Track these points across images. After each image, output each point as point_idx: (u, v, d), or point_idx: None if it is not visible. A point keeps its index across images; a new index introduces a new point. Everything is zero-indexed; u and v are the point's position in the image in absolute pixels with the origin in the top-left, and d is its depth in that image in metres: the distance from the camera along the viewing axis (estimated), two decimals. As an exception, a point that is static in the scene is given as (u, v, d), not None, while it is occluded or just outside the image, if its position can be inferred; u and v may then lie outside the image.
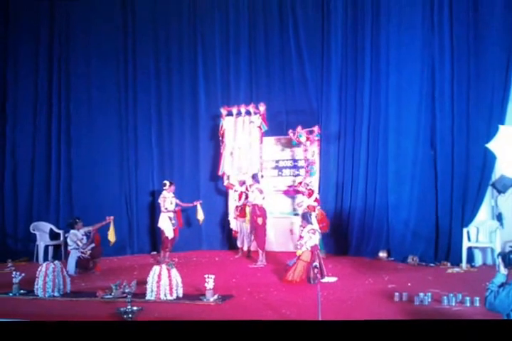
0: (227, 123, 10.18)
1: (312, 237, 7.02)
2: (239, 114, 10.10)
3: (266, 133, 10.11)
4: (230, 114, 10.11)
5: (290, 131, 9.61)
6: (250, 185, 8.97)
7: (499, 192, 7.94)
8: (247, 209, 8.93)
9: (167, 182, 9.09)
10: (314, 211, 8.49)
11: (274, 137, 10.32)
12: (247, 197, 9.14)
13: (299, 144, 9.79)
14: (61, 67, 10.33)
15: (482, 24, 8.18)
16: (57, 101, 10.30)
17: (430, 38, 8.62)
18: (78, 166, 10.23)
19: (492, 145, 6.68)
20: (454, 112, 8.38)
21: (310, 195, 8.97)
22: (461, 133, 8.31)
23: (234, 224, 9.68)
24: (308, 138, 9.60)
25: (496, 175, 8.13)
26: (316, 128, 9.71)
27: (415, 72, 8.73)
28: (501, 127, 6.75)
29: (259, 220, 8.48)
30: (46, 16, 10.34)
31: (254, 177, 9.18)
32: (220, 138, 10.29)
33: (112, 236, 8.52)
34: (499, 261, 3.78)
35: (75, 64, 10.35)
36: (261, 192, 8.64)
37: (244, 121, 10.08)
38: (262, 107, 9.84)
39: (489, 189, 8.16)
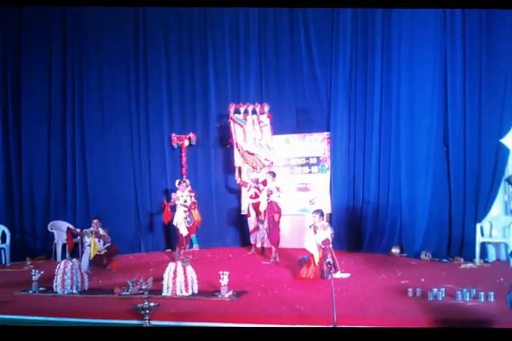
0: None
1: (322, 233, 7.05)
2: (246, 112, 10.07)
3: (275, 131, 10.14)
4: (236, 111, 10.05)
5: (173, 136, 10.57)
6: (263, 182, 9.03)
7: None
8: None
9: (178, 181, 9.27)
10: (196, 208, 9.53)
11: (284, 135, 10.37)
12: (256, 195, 9.21)
13: (180, 148, 10.64)
14: (74, 71, 10.47)
15: (494, 20, 8.14)
16: (71, 103, 10.45)
17: (442, 34, 8.57)
18: (93, 166, 10.39)
19: (506, 141, 6.67)
20: (466, 108, 8.35)
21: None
22: (473, 128, 8.29)
23: (249, 220, 9.72)
24: (181, 145, 10.58)
25: (510, 170, 8.12)
26: (191, 135, 10.52)
27: (427, 67, 8.69)
28: None
29: (276, 217, 8.53)
30: (59, 25, 10.47)
31: (274, 174, 9.16)
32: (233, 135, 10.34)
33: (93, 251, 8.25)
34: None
35: (87, 67, 10.49)
36: (278, 189, 8.70)
37: (254, 120, 10.06)
38: (267, 108, 9.88)
39: (502, 184, 8.15)
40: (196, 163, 10.90)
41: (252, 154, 9.78)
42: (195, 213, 9.34)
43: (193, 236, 10.15)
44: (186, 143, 10.62)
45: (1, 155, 10.20)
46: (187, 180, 10.02)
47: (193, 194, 9.73)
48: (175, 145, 10.63)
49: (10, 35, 10.36)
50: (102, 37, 10.55)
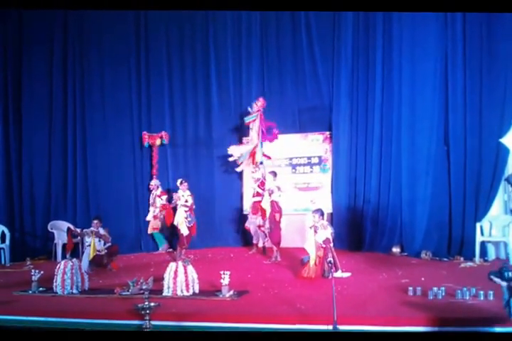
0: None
1: (322, 232, 7.05)
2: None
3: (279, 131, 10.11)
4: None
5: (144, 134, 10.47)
6: (262, 182, 9.03)
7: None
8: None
9: (179, 181, 9.26)
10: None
11: (286, 135, 10.35)
12: (258, 194, 9.20)
13: (152, 147, 10.56)
14: (76, 71, 10.52)
15: (494, 20, 8.15)
16: (72, 103, 10.49)
17: (443, 33, 8.60)
18: (94, 166, 10.44)
19: (506, 140, 6.66)
20: (467, 108, 8.38)
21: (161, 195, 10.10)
22: (474, 128, 8.30)
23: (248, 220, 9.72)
24: (153, 144, 10.44)
25: (510, 169, 8.12)
26: (163, 134, 10.40)
27: (428, 67, 8.72)
28: None
29: (277, 216, 8.54)
30: (60, 25, 10.54)
31: (275, 174, 9.14)
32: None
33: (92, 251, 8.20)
34: (494, 279, 3.74)
35: (89, 67, 10.55)
36: (279, 189, 8.70)
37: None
38: (259, 102, 9.68)
39: (502, 183, 8.15)
40: (199, 163, 10.88)
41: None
42: (167, 215, 9.70)
43: (160, 236, 10.15)
44: (158, 142, 10.51)
45: (1, 155, 10.24)
46: (157, 181, 10.07)
47: (165, 196, 9.88)
48: (146, 143, 10.49)
49: (11, 35, 10.40)
50: (103, 37, 10.59)
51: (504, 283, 3.64)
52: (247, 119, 9.72)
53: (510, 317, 3.44)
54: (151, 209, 10.17)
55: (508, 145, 6.69)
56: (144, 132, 10.53)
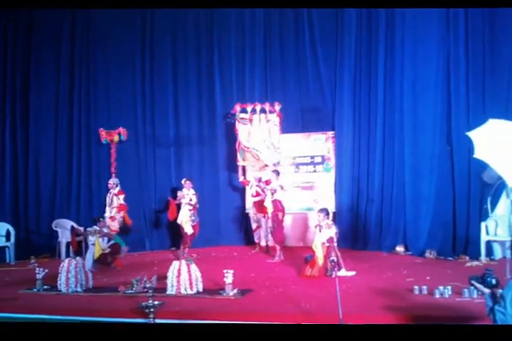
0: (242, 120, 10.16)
1: (326, 231, 7.04)
2: (253, 111, 10.00)
3: (282, 131, 10.10)
4: (244, 111, 10.06)
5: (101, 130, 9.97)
6: (267, 182, 9.00)
7: (487, 184, 7.78)
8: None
9: (184, 179, 9.26)
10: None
11: (289, 134, 10.32)
12: (258, 194, 9.19)
13: (110, 143, 10.06)
14: (82, 70, 10.61)
15: (497, 18, 8.12)
16: (77, 102, 10.56)
17: (445, 32, 8.58)
18: (98, 165, 10.48)
19: (472, 134, 6.25)
20: (470, 107, 8.34)
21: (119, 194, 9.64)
22: (477, 126, 8.23)
23: (252, 219, 9.70)
24: (111, 140, 9.99)
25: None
26: (121, 130, 9.95)
27: (430, 66, 8.70)
28: (490, 121, 6.24)
29: (279, 215, 8.54)
30: (68, 24, 10.64)
31: (277, 173, 9.11)
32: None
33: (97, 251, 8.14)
34: (475, 284, 3.69)
35: (95, 66, 10.65)
36: (281, 188, 8.68)
37: (261, 119, 9.94)
38: (278, 106, 9.73)
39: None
40: (203, 162, 10.88)
41: (252, 152, 9.78)
42: (125, 215, 9.43)
43: (119, 238, 9.54)
44: (116, 138, 10.02)
45: (8, 155, 10.33)
46: (116, 179, 9.73)
47: (122, 196, 9.52)
48: (103, 140, 10.02)
49: (21, 33, 10.50)
50: (109, 37, 10.65)
51: (487, 290, 3.58)
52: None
53: (494, 323, 3.41)
54: (108, 209, 9.60)
55: (473, 138, 6.27)
56: (101, 129, 10.03)
